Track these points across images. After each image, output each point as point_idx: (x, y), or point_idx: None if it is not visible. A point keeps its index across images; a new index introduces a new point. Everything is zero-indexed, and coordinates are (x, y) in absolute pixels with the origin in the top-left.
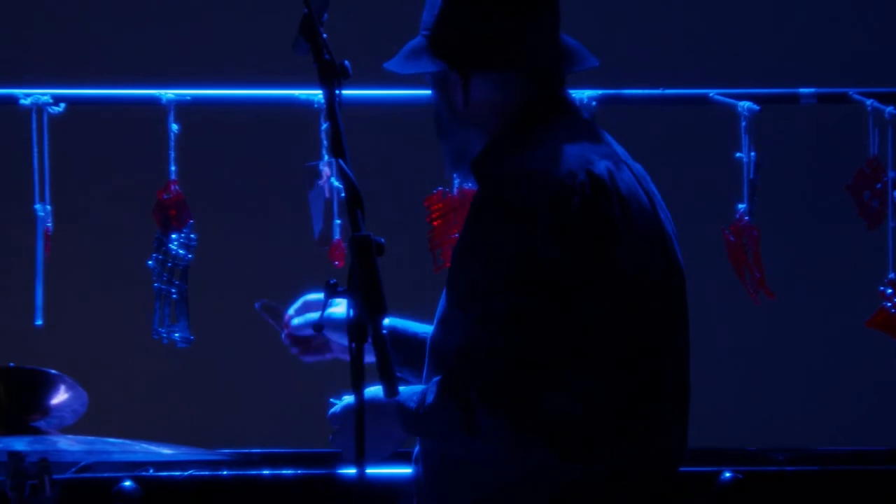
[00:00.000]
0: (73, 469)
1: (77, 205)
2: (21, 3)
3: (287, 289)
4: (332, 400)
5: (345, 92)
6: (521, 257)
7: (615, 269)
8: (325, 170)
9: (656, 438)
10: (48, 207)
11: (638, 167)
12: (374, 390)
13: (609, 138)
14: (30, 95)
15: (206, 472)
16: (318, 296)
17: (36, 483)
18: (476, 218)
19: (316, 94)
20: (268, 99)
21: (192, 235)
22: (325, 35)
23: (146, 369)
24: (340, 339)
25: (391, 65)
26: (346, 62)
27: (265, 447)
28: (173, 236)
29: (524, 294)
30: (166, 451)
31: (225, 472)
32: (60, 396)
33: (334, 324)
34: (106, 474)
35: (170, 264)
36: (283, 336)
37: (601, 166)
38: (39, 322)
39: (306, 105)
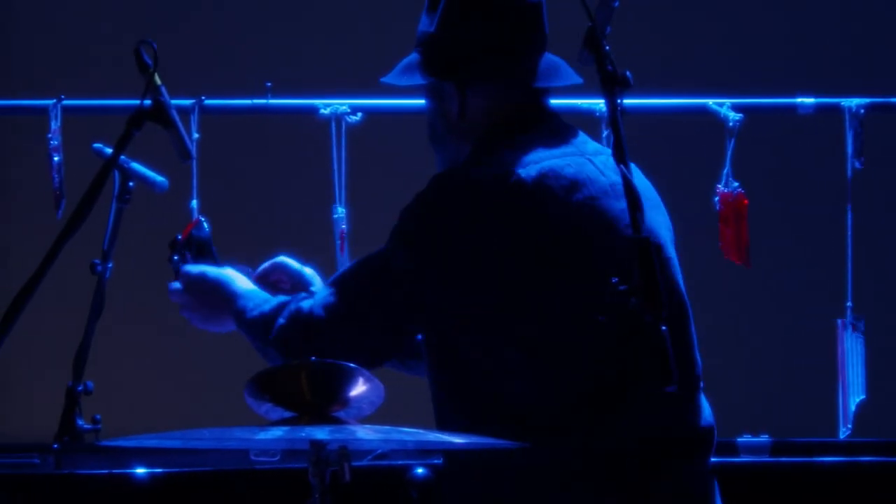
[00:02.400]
0: (370, 456)
1: (368, 208)
2: (321, 23)
3: None
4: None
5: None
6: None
7: (527, 260)
8: None
9: (574, 435)
10: (344, 210)
11: (608, 161)
12: (223, 272)
13: (585, 140)
14: (329, 105)
15: None
16: (289, 260)
17: (336, 470)
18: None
19: (597, 103)
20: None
21: None
22: (607, 47)
23: None
24: None
25: (388, 79)
26: (628, 73)
27: None
28: None
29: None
30: (457, 441)
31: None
32: (359, 388)
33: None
34: (400, 462)
35: None
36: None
37: (532, 168)
38: None
39: (587, 113)
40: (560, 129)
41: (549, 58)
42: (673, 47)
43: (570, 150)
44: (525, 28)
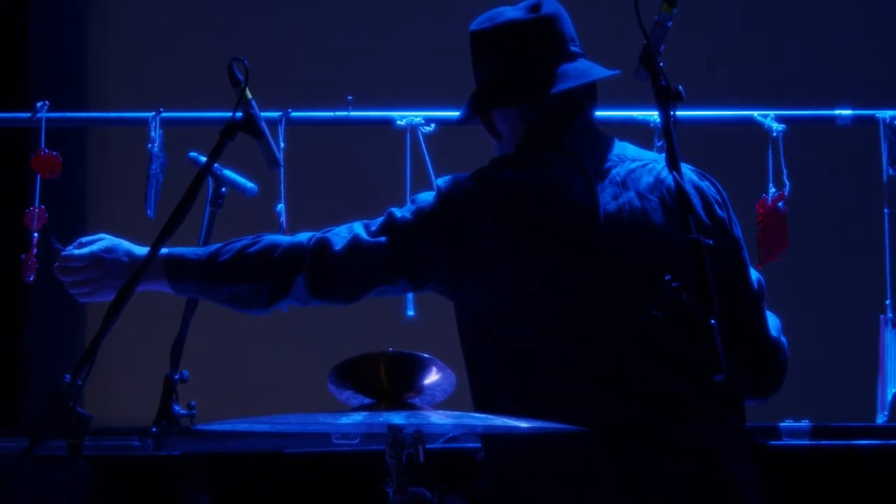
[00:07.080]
0: (442, 440)
1: None
2: (398, 43)
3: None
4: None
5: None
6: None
7: (490, 248)
8: None
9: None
10: None
11: (621, 171)
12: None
13: (604, 146)
14: (405, 117)
15: None
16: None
17: (411, 452)
18: None
19: (651, 115)
20: (607, 120)
21: None
22: (661, 63)
23: None
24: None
25: (456, 116)
26: (680, 87)
27: None
28: None
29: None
30: (523, 425)
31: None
32: (432, 377)
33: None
34: (470, 444)
35: None
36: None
37: (508, 171)
38: (411, 313)
39: (642, 124)
40: (570, 138)
41: (577, 64)
42: (720, 63)
43: (562, 159)
44: (528, 49)
